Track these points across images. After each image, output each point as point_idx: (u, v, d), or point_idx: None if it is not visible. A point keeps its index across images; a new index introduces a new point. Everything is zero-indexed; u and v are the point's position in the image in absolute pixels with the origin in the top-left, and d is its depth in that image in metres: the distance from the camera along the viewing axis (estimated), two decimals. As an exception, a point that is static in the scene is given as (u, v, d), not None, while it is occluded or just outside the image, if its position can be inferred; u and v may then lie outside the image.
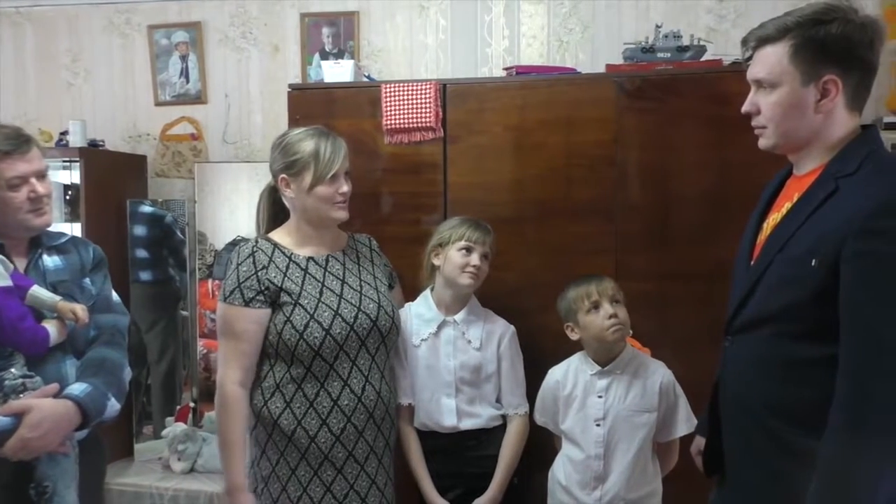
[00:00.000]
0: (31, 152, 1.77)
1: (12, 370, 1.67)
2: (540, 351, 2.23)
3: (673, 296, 2.35)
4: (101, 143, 3.41)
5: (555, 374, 2.10)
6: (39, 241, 1.85)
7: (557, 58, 3.15)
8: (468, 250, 2.09)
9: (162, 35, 3.53)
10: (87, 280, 1.88)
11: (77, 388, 1.72)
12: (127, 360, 1.88)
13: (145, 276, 3.39)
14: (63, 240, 1.91)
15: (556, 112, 2.42)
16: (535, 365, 2.19)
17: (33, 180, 1.77)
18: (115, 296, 1.95)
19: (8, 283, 1.68)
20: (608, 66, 2.59)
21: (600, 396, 2.00)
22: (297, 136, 1.97)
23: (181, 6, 3.52)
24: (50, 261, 1.85)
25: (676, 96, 2.35)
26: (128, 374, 1.87)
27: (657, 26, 2.56)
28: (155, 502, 2.97)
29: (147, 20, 3.54)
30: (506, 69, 2.75)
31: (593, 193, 2.40)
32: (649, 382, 1.98)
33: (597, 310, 1.97)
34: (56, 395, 1.70)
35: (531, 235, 2.44)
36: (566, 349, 2.09)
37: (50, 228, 1.87)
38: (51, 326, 1.74)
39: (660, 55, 2.50)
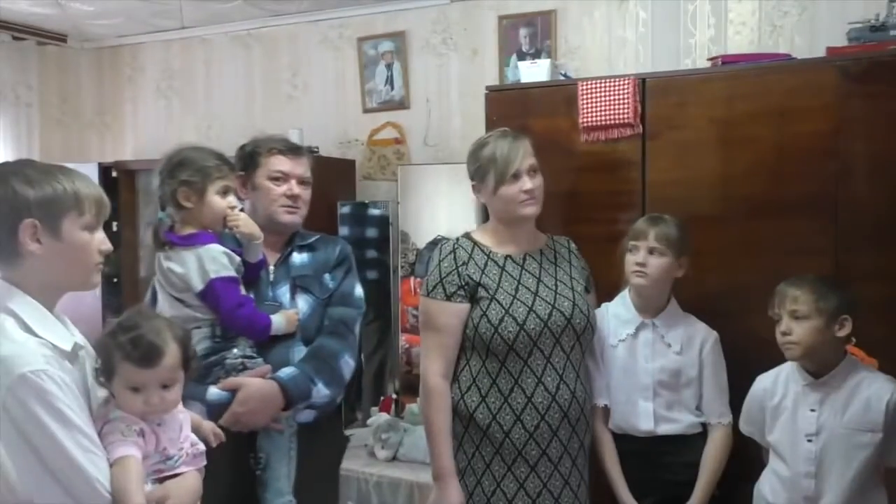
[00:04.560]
0: (299, 159, 2.03)
1: (234, 350, 1.87)
2: (743, 357, 2.10)
3: (904, 301, 2.10)
4: (315, 149, 3.66)
5: (763, 381, 1.99)
6: (292, 240, 2.06)
7: (770, 44, 2.94)
8: (634, 249, 2.07)
9: (370, 46, 3.75)
10: (328, 275, 2.05)
11: (284, 372, 1.87)
12: (349, 350, 2.00)
13: (372, 275, 3.56)
14: (313, 238, 2.10)
15: (768, 102, 2.25)
16: (738, 372, 2.08)
17: (294, 181, 2.00)
18: (357, 290, 2.09)
19: (230, 273, 1.86)
20: (829, 49, 2.37)
21: (813, 410, 1.85)
22: (479, 142, 2.05)
23: (387, 17, 3.71)
24: (297, 258, 2.04)
25: (911, 79, 2.10)
26: (346, 362, 1.98)
27: (890, 0, 2.30)
28: (361, 487, 3.13)
29: (357, 33, 3.78)
30: (710, 59, 2.62)
31: (809, 188, 2.21)
32: (874, 398, 1.80)
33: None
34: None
35: (736, 235, 2.29)
36: (772, 356, 1.96)
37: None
38: (279, 317, 1.91)
39: (893, 33, 2.25)
